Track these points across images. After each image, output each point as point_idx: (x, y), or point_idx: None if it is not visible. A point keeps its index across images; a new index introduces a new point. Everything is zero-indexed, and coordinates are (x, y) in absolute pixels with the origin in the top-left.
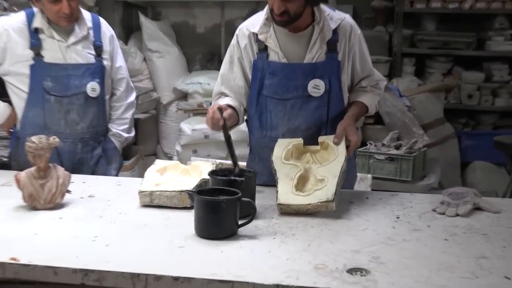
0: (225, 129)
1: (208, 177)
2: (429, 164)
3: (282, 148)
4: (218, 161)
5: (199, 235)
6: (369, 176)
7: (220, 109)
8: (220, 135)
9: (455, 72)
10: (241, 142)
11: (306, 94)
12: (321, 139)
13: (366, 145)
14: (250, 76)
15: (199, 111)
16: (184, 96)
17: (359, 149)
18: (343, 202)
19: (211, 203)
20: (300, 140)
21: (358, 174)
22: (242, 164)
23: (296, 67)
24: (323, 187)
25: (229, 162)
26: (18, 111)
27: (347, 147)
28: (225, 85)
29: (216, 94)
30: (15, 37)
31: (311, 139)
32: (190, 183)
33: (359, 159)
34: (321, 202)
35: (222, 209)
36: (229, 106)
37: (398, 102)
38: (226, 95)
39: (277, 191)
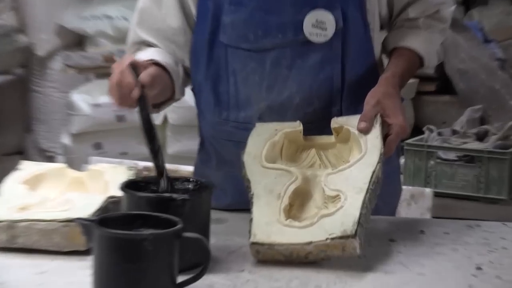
0: (143, 105)
1: (120, 193)
2: None
3: (262, 139)
4: (141, 163)
5: None
6: (428, 191)
7: (135, 67)
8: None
9: None
10: (184, 128)
11: (301, 39)
12: (336, 123)
13: (422, 132)
14: (194, 11)
15: (107, 71)
16: (78, 41)
17: (408, 141)
18: (377, 240)
19: (125, 242)
20: (296, 126)
21: (406, 188)
22: (187, 169)
23: None
24: (337, 210)
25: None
26: None
27: (385, 136)
28: (148, 27)
29: (134, 44)
30: None
31: (315, 124)
32: (86, 205)
33: (409, 158)
34: (333, 238)
35: (146, 253)
36: (154, 63)
37: (481, 52)
38: (150, 45)
39: (251, 220)
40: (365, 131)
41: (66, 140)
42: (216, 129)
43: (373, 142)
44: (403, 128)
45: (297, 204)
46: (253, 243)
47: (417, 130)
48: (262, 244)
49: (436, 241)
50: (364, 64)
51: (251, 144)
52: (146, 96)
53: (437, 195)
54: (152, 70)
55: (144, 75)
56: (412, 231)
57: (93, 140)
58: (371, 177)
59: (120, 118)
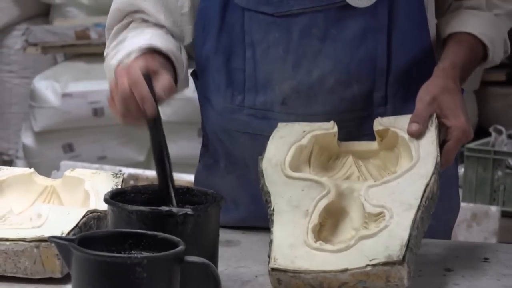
0: (158, 125)
1: (104, 206)
2: None
3: (286, 142)
4: (125, 170)
5: None
6: (494, 209)
7: (149, 77)
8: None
9: None
10: (181, 126)
11: (339, 3)
12: (380, 124)
13: (488, 134)
14: None
15: (81, 49)
16: (42, 12)
17: (469, 145)
18: (429, 268)
19: (113, 267)
20: (329, 127)
21: (466, 205)
22: (186, 179)
23: None
24: (381, 231)
25: (152, 172)
26: None
27: (443, 142)
28: None
29: (123, 13)
30: None
31: (353, 114)
32: (62, 221)
33: (470, 167)
34: (374, 265)
35: (139, 281)
36: (156, 51)
37: None
38: (144, 17)
39: (271, 241)
40: (417, 135)
41: (27, 139)
42: (227, 118)
43: (427, 148)
44: (466, 132)
45: (329, 225)
46: (274, 270)
47: (481, 132)
48: (284, 271)
49: (503, 272)
50: (416, 38)
51: (272, 148)
52: (160, 118)
53: (505, 215)
54: (167, 81)
55: (161, 89)
56: (473, 258)
57: (63, 140)
58: (424, 191)
59: (97, 112)
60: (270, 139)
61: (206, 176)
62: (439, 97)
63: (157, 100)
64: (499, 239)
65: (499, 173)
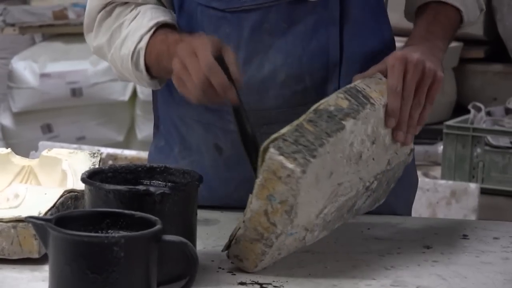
0: (240, 112)
1: (82, 186)
2: None
3: None
4: (104, 150)
5: None
6: (473, 186)
7: (222, 60)
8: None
9: None
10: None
11: None
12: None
13: (467, 111)
14: None
15: (59, 30)
16: None
17: (448, 122)
18: (408, 246)
19: (90, 247)
20: None
21: (445, 183)
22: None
23: None
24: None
25: (131, 152)
26: None
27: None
28: None
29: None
30: None
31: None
32: (39, 201)
33: (449, 144)
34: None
35: (117, 260)
36: (167, 24)
37: None
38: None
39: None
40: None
41: (6, 120)
42: (182, 105)
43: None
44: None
45: None
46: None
47: (460, 109)
48: (228, 246)
49: (482, 248)
50: (373, 30)
51: None
52: (240, 96)
53: (484, 192)
54: (235, 60)
55: (237, 73)
56: (452, 235)
57: (41, 121)
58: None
59: (75, 92)
60: None
61: (158, 158)
62: (406, 55)
63: (236, 87)
64: (478, 216)
65: (478, 150)
